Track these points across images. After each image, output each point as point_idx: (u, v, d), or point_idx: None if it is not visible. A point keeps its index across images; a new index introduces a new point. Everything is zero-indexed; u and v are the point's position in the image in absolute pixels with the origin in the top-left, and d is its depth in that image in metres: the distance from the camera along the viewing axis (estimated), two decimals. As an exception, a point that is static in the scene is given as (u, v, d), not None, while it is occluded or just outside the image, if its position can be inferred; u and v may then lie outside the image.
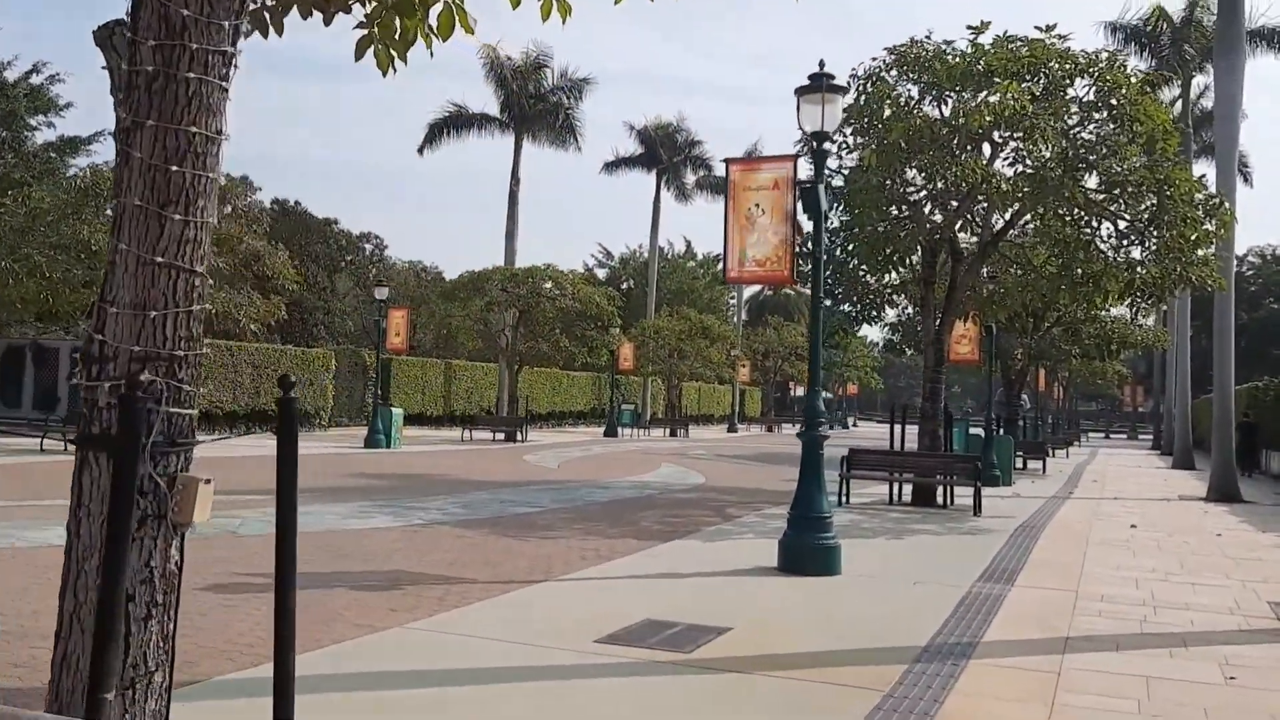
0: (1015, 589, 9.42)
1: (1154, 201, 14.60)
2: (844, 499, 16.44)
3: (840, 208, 16.84)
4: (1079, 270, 15.87)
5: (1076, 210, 15.91)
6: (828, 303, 17.85)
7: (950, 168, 13.86)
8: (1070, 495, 20.88)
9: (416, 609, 7.62)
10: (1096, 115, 14.98)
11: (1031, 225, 17.74)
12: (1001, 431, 29.35)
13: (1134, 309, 16.23)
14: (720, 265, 69.13)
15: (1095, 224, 15.67)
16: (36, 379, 33.34)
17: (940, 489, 16.92)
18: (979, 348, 24.46)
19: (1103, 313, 30.59)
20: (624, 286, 78.72)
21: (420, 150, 45.26)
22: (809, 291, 15.81)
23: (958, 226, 17.05)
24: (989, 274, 20.54)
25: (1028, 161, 14.94)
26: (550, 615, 7.56)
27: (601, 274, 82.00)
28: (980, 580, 9.75)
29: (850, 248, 16.00)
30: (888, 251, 15.07)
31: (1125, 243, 16.03)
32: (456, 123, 44.98)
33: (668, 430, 48.16)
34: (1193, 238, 14.64)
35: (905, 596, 8.89)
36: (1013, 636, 7.47)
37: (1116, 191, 14.74)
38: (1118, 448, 53.77)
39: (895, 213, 15.04)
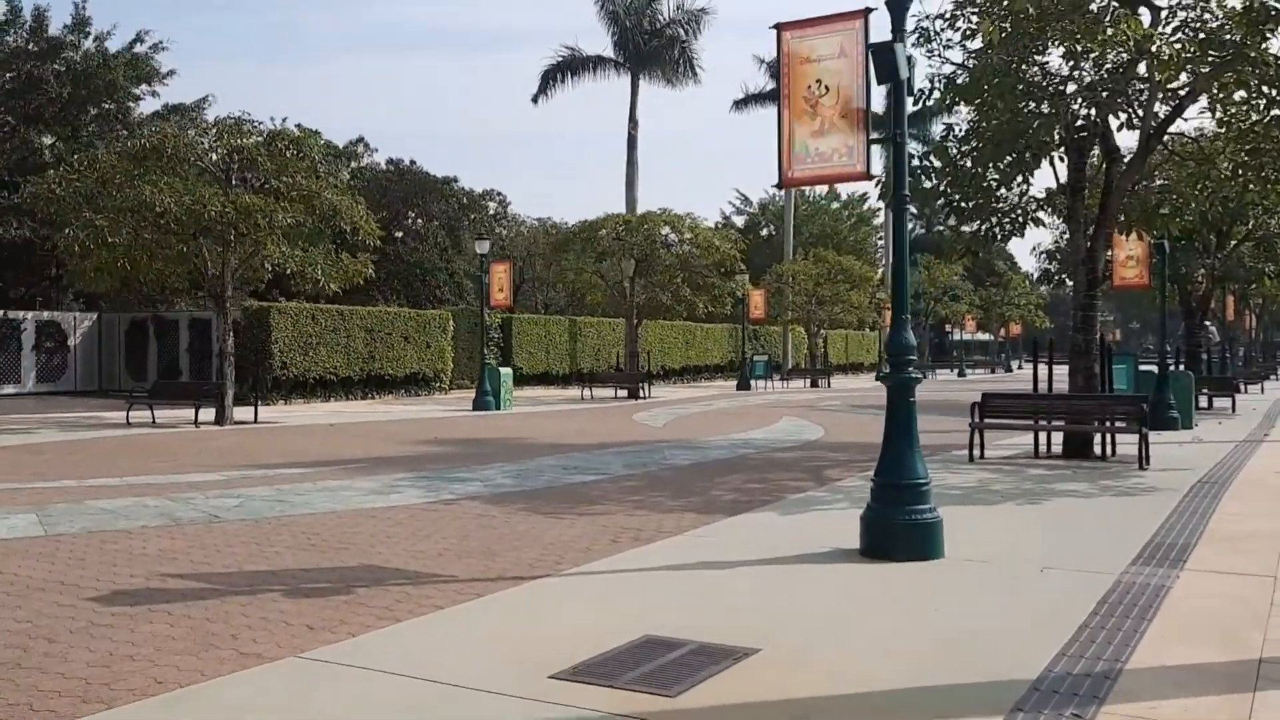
0: (1186, 575, 6.85)
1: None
2: (977, 453, 13.80)
3: (954, 106, 14.05)
4: (1271, 164, 12.62)
5: (1266, 84, 12.62)
6: (949, 223, 15.08)
7: (1096, 36, 10.91)
8: (1265, 438, 17.47)
9: (343, 625, 5.76)
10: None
11: (1207, 111, 14.44)
12: (1181, 366, 25.64)
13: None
14: (848, 191, 65.11)
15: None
16: (160, 351, 33.68)
17: (1098, 437, 14.05)
18: (1148, 270, 20.96)
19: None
20: (765, 233, 75.75)
21: (535, 99, 43.79)
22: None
23: (1111, 117, 13.95)
24: (1155, 177, 17.22)
25: (1197, 26, 11.80)
26: (511, 634, 5.56)
27: (740, 221, 79.21)
28: (1137, 563, 7.20)
29: (973, 148, 13.16)
30: (1020, 148, 12.21)
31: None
32: (571, 66, 43.18)
33: (808, 381, 45.43)
34: None
35: (1024, 592, 6.47)
36: (1176, 659, 5.03)
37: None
38: (1323, 381, 47.82)
39: (1030, 107, 12.14)
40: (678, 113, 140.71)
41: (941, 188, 14.91)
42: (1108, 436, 13.92)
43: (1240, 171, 13.16)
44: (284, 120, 21.32)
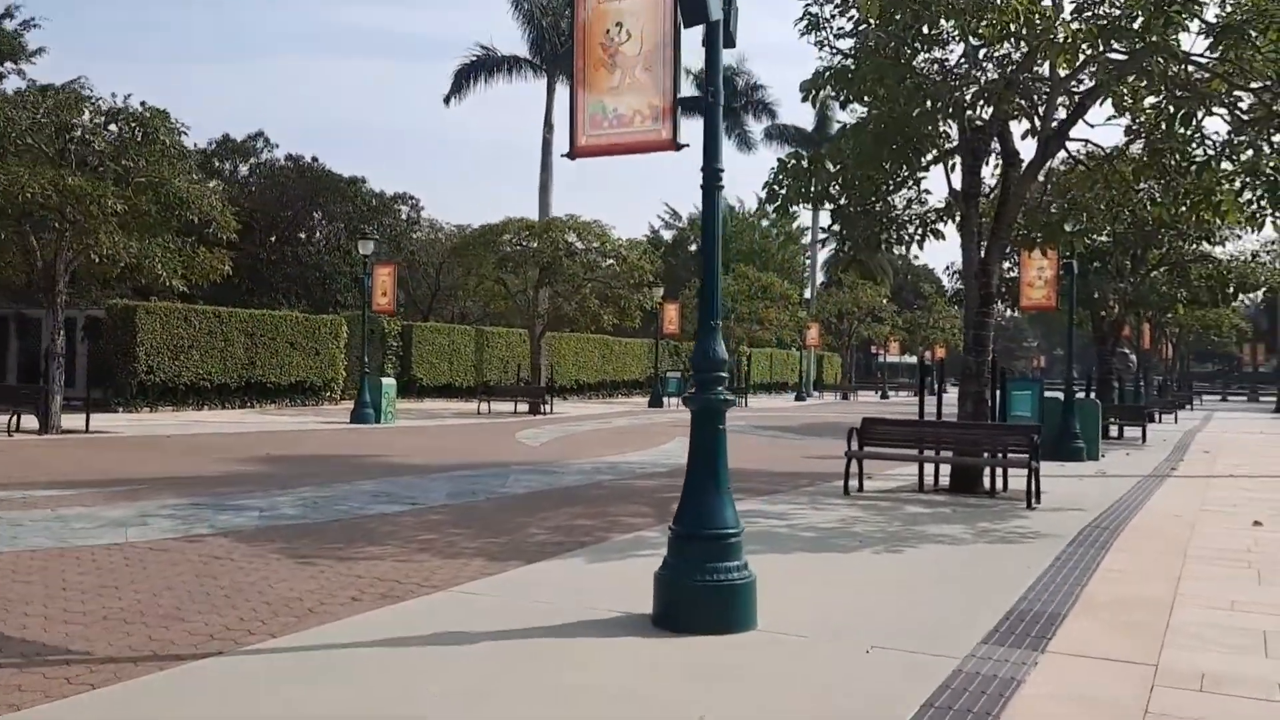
0: (1046, 660, 5.36)
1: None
2: (855, 484, 12.34)
3: (849, 104, 12.63)
4: (1176, 172, 11.39)
5: (1176, 87, 11.40)
6: (833, 227, 13.68)
7: (983, 14, 9.52)
8: (1171, 472, 16.32)
9: None
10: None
11: (1116, 117, 13.25)
12: (1091, 394, 24.67)
13: (1258, 221, 11.60)
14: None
15: (1202, 106, 11.10)
16: (21, 350, 31.10)
17: (987, 471, 12.68)
18: (1056, 291, 19.83)
19: (1216, 248, 25.61)
20: (693, 248, 74.50)
21: (447, 99, 41.86)
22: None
23: (1011, 117, 12.67)
24: (1059, 187, 16.07)
25: (1099, 11, 10.51)
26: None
27: (668, 235, 77.98)
28: (991, 640, 5.69)
29: (856, 144, 11.71)
30: (902, 143, 10.78)
31: (1247, 133, 11.39)
32: (485, 66, 41.40)
33: (725, 398, 44.03)
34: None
35: (836, 686, 4.90)
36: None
37: (1230, 46, 10.13)
38: (1236, 411, 47.80)
39: (919, 102, 10.70)
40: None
41: (830, 189, 13.53)
42: (1001, 470, 12.56)
43: (1143, 179, 11.90)
44: (128, 98, 19.08)
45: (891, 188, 12.81)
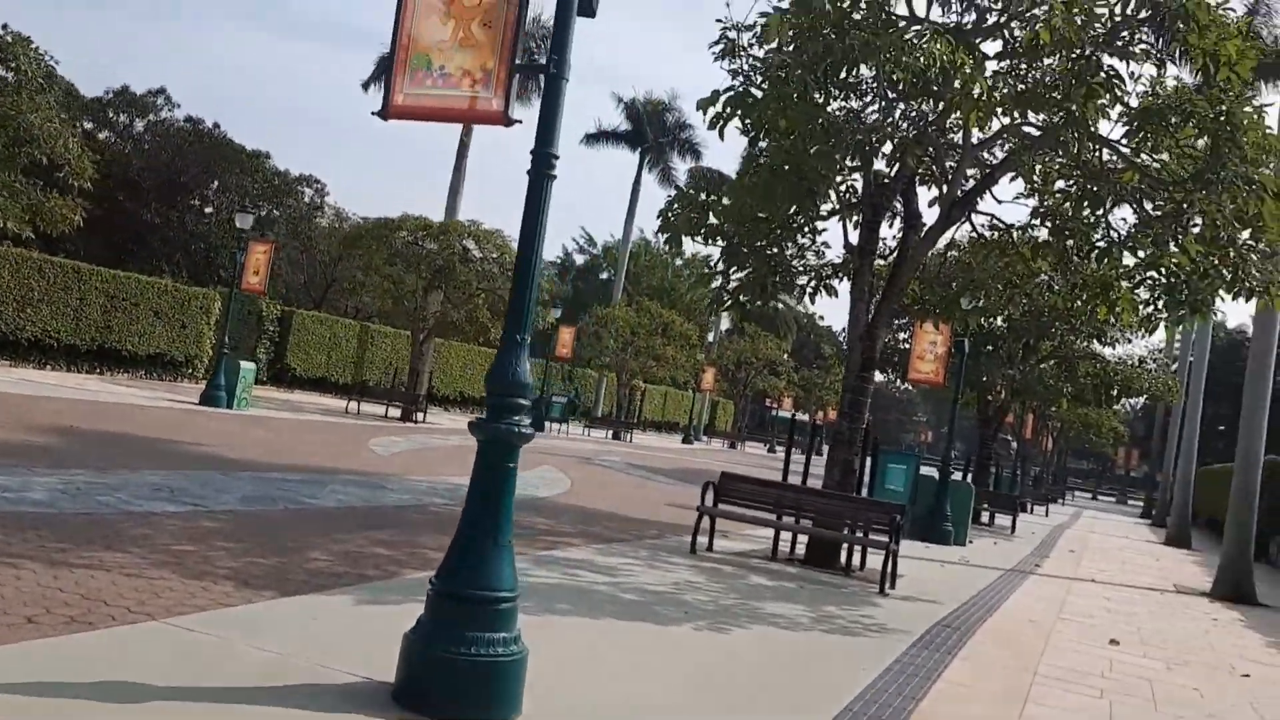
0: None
1: (1207, 146, 9.45)
2: (704, 543, 11.36)
3: (757, 140, 11.77)
4: (1081, 257, 10.82)
5: (1089, 177, 10.86)
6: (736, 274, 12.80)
7: (902, 54, 8.73)
8: (1035, 569, 15.78)
9: None
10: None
11: (1024, 191, 12.72)
12: (967, 476, 24.34)
13: (1152, 324, 11.12)
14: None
15: (1112, 194, 10.54)
16: None
17: (846, 546, 11.84)
18: (945, 368, 19.34)
19: (1106, 349, 25.66)
20: (603, 276, 73.67)
21: (365, 85, 40.31)
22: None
23: (918, 175, 12.00)
24: (961, 263, 15.56)
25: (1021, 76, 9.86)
26: None
27: (580, 260, 77.19)
28: (791, 766, 4.68)
29: (751, 179, 10.84)
30: (796, 183, 9.92)
31: (1158, 224, 10.86)
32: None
33: (611, 432, 42.98)
34: (1253, 213, 9.44)
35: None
36: None
37: (1150, 132, 9.56)
38: (1104, 511, 48.66)
39: (818, 125, 9.83)
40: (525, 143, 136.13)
41: (724, 225, 12.67)
42: (860, 547, 11.74)
43: (1042, 260, 11.32)
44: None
45: (783, 231, 11.98)
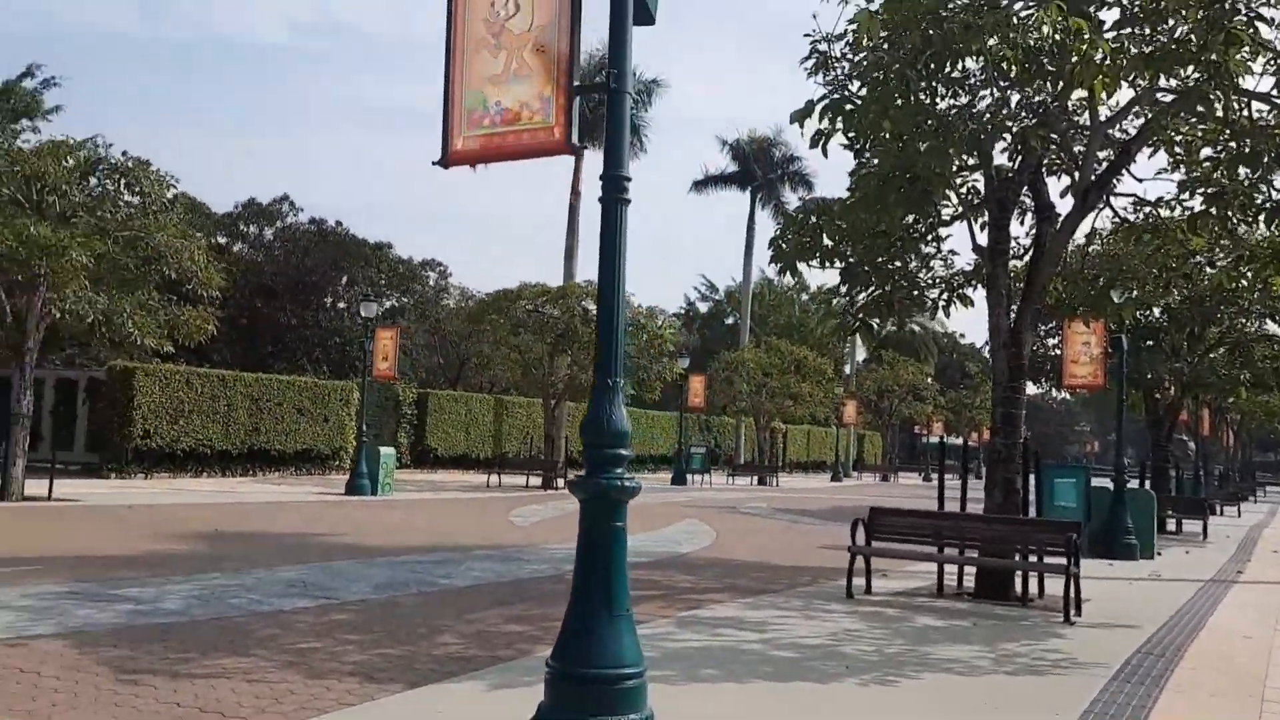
0: None
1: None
2: (860, 585, 10.52)
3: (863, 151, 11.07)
4: (1247, 222, 9.69)
5: (1236, 135, 9.77)
6: (839, 292, 12.06)
7: (1007, 30, 7.98)
8: (1238, 577, 14.25)
9: None
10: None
11: (1165, 165, 11.61)
12: (1144, 483, 22.51)
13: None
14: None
15: (1270, 148, 9.42)
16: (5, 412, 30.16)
17: (1020, 574, 10.80)
18: (1103, 369, 17.93)
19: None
20: (729, 321, 73.06)
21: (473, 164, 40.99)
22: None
23: (1045, 163, 11.08)
24: (1105, 253, 14.38)
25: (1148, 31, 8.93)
26: None
27: (704, 308, 76.83)
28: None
29: (860, 190, 10.13)
30: (909, 185, 9.18)
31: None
32: (514, 134, 40.56)
33: (756, 478, 41.99)
34: None
35: None
36: None
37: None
38: (1304, 504, 44.73)
39: (925, 122, 9.08)
40: (641, 202, 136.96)
41: (840, 245, 11.98)
42: (1037, 573, 10.67)
43: (1199, 233, 10.20)
44: (108, 146, 18.13)
45: (904, 242, 11.20)
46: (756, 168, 51.77)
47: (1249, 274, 12.52)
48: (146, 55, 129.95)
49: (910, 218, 10.21)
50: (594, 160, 41.99)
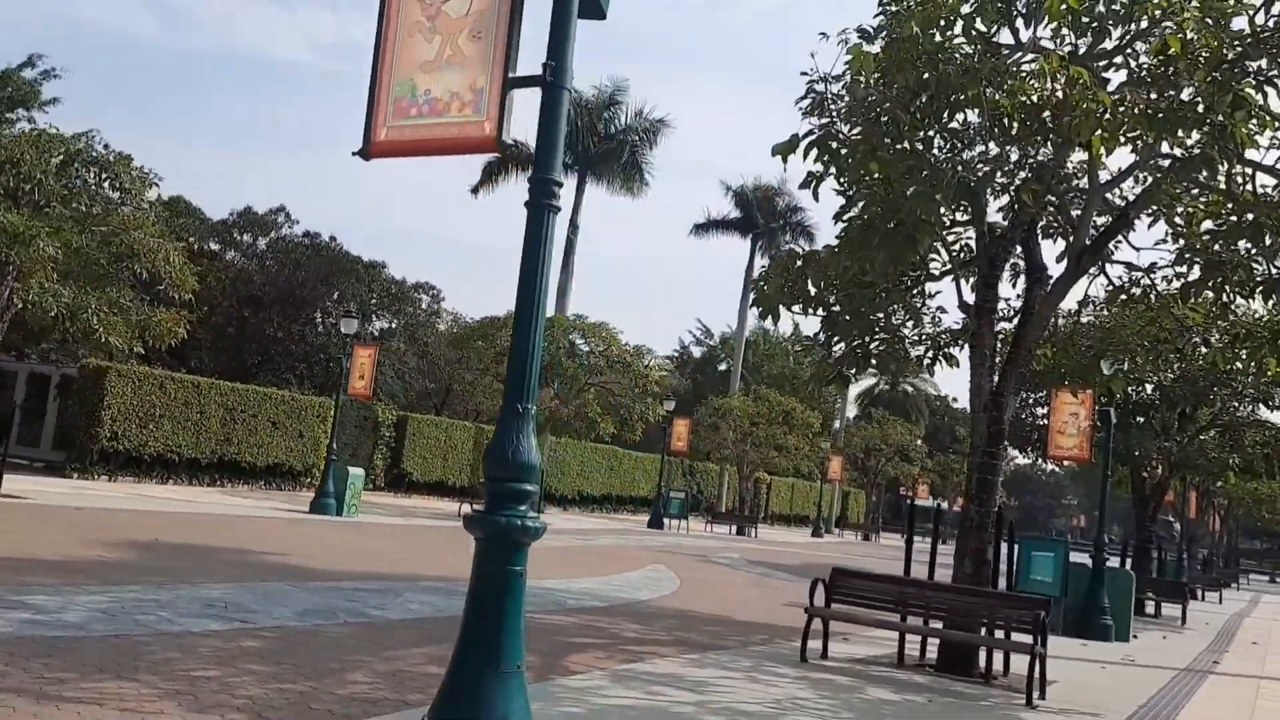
0: None
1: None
2: (816, 648, 9.95)
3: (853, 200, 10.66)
4: (1243, 295, 9.27)
5: (1240, 191, 9.40)
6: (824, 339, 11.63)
7: (1006, 78, 7.60)
8: (1214, 667, 13.67)
9: None
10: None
11: (1164, 235, 11.23)
12: (1125, 562, 21.96)
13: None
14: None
15: (1274, 218, 9.02)
16: (-12, 406, 29.53)
17: (986, 649, 10.24)
18: (1090, 442, 17.44)
19: (1276, 414, 23.10)
20: (722, 367, 72.59)
21: (475, 190, 40.92)
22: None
23: (1038, 219, 10.68)
24: (1097, 323, 13.99)
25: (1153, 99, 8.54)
26: None
27: (698, 352, 76.40)
28: None
29: (844, 235, 9.71)
30: (887, 236, 8.73)
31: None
32: (517, 161, 40.44)
33: (735, 527, 41.28)
34: None
35: None
36: None
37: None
38: (1287, 595, 44.09)
39: (914, 165, 8.66)
40: (639, 240, 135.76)
41: (825, 293, 11.56)
42: (1002, 650, 10.12)
43: (1191, 303, 9.79)
44: (89, 135, 17.74)
45: (888, 293, 10.77)
46: (759, 215, 51.64)
47: (1244, 354, 12.10)
48: (159, 62, 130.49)
49: (892, 266, 9.77)
50: (595, 194, 41.87)
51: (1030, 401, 23.03)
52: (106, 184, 17.92)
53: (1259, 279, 9.08)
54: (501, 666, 3.92)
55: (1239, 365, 13.98)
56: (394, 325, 46.02)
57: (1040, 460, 21.77)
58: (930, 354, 12.98)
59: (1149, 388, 20.90)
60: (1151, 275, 11.07)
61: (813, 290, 11.66)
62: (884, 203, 8.75)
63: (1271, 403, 20.68)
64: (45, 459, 27.49)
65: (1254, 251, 9.02)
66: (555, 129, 4.24)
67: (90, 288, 17.50)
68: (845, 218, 9.43)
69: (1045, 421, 20.61)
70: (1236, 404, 21.29)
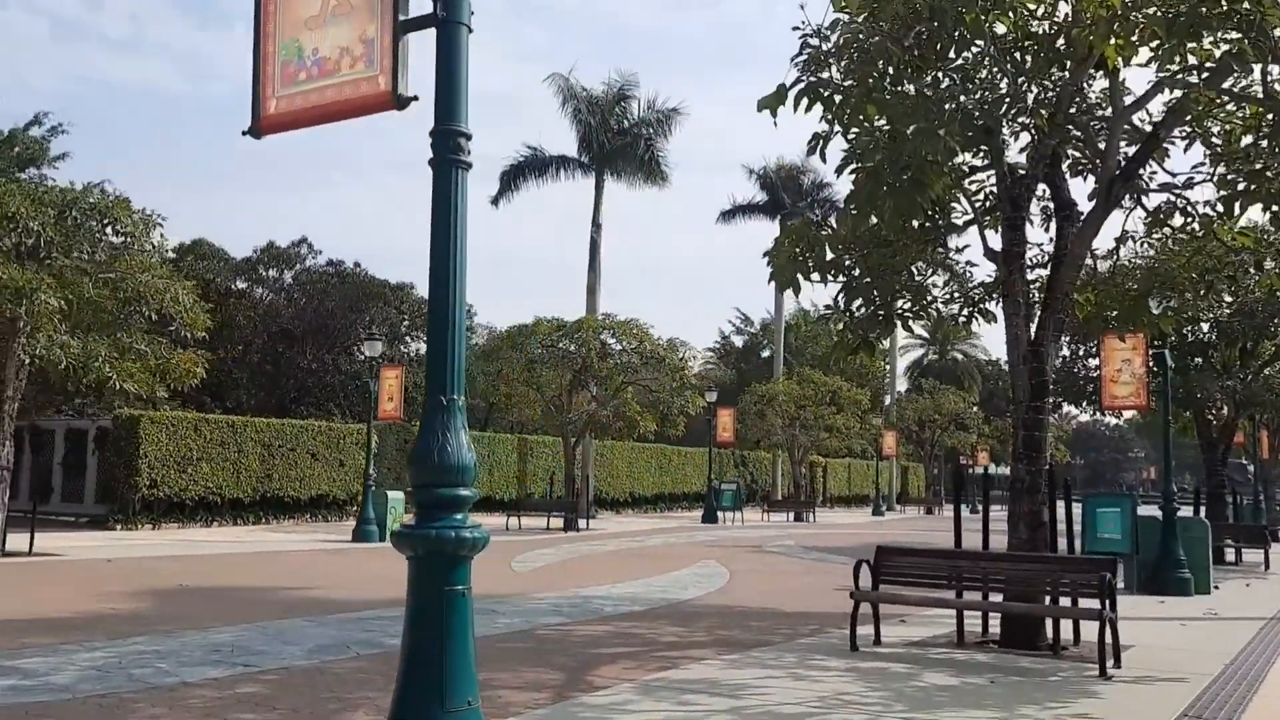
0: None
1: None
2: (870, 636, 9.25)
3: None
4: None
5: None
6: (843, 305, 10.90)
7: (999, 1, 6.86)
8: (1307, 615, 12.72)
9: None
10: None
11: (1205, 154, 10.36)
12: (1199, 511, 20.91)
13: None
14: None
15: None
16: (34, 465, 29.60)
17: (1051, 619, 9.47)
18: (1146, 388, 16.47)
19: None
20: (765, 354, 71.58)
21: (495, 200, 40.46)
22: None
23: (1065, 162, 9.88)
24: (1138, 255, 13.12)
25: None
26: None
27: (739, 341, 75.48)
28: None
29: (849, 189, 9.00)
30: (903, 180, 8.01)
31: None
32: (534, 166, 39.98)
33: (791, 514, 40.44)
34: None
35: None
36: None
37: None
38: (1375, 529, 42.23)
39: (921, 107, 7.92)
40: (668, 235, 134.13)
41: (844, 259, 10.85)
42: (1071, 618, 9.34)
43: (1233, 213, 8.95)
44: (84, 185, 17.52)
45: (906, 248, 10.02)
46: (785, 196, 50.67)
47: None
48: (181, 110, 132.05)
49: (905, 216, 9.03)
50: (615, 190, 41.19)
51: (1081, 353, 22.04)
52: (108, 229, 17.58)
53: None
54: (447, 705, 3.32)
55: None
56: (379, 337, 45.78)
57: (1098, 414, 20.70)
58: (965, 311, 12.22)
59: (1204, 325, 19.81)
60: (1189, 198, 10.18)
61: (830, 255, 10.97)
62: (886, 149, 8.03)
63: (1338, 327, 19.53)
64: (89, 513, 27.49)
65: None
66: (456, 72, 3.64)
67: (99, 335, 17.18)
68: (849, 170, 8.71)
69: (1098, 373, 19.64)
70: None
